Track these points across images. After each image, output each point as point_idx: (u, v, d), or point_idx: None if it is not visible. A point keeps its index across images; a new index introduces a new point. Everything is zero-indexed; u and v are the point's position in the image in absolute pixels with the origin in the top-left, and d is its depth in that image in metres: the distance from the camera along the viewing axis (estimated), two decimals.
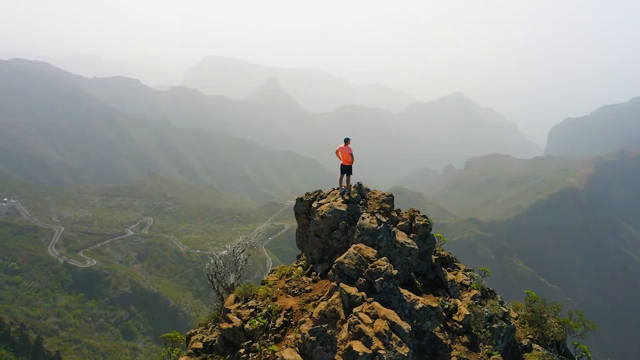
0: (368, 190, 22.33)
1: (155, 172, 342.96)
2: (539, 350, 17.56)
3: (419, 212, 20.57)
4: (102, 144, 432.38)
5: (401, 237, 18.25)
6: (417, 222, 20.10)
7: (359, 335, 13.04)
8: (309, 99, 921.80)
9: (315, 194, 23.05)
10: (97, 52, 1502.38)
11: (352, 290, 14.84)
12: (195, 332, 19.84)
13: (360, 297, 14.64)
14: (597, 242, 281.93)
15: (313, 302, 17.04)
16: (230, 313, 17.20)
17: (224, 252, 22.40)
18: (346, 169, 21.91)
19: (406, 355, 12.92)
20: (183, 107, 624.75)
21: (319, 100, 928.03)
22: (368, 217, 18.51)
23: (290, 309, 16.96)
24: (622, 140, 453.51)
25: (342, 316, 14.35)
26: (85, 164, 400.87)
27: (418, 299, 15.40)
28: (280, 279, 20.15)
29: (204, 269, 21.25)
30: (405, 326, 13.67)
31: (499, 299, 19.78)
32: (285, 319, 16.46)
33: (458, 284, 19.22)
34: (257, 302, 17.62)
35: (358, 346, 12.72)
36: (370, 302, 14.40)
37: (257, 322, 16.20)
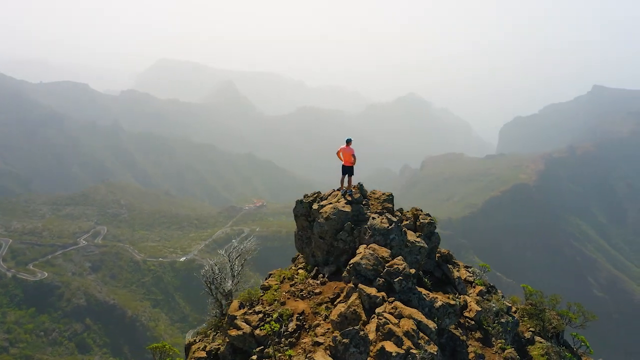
0: (366, 191, 22.49)
1: (109, 179, 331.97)
2: (541, 342, 17.93)
3: (421, 210, 20.83)
4: (51, 152, 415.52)
5: (411, 236, 18.43)
6: (421, 220, 20.33)
7: (389, 335, 12.97)
8: (267, 101, 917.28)
9: (315, 195, 23.01)
10: (43, 56, 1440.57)
11: (372, 291, 14.76)
12: (195, 341, 19.39)
13: (381, 298, 14.59)
14: (548, 235, 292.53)
15: (325, 305, 16.92)
16: (238, 319, 16.81)
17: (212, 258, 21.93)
18: (348, 170, 21.94)
19: (435, 353, 13.03)
20: (136, 111, 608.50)
21: (277, 103, 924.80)
22: (378, 217, 18.51)
23: (302, 313, 16.71)
24: (570, 137, 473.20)
25: (364, 317, 14.23)
26: (34, 173, 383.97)
27: (437, 297, 15.52)
28: (282, 283, 19.87)
29: (200, 276, 20.62)
30: (432, 325, 13.78)
31: (500, 294, 20.14)
32: (298, 322, 16.22)
33: (462, 281, 19.46)
34: (265, 307, 17.33)
35: (390, 346, 12.66)
36: (392, 302, 14.36)
37: (271, 327, 15.85)
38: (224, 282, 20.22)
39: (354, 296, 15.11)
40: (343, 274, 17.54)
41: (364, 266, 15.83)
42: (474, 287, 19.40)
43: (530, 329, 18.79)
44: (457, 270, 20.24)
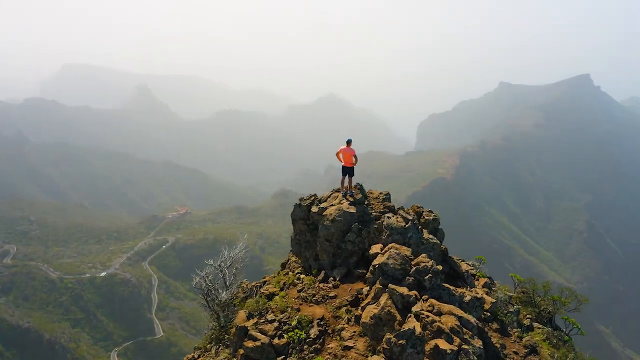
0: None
1: (15, 195, 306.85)
2: (540, 328, 18.51)
3: (422, 207, 20.79)
4: None
5: (425, 233, 18.52)
6: (425, 217, 20.31)
7: (439, 333, 12.87)
8: (186, 105, 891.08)
9: (311, 198, 22.57)
10: None
11: (404, 290, 14.56)
12: (195, 357, 18.64)
13: (414, 296, 14.44)
14: (467, 225, 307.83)
15: (345, 308, 16.60)
16: (251, 330, 16.10)
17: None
18: (348, 171, 21.68)
19: (481, 347, 13.09)
20: (42, 120, 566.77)
21: (197, 106, 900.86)
22: (394, 216, 18.40)
23: (322, 318, 16.31)
24: (481, 132, 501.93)
25: (398, 317, 13.98)
26: None
27: (464, 292, 15.58)
28: (287, 289, 19.31)
29: (194, 287, 19.87)
30: (472, 319, 13.82)
31: (498, 284, 20.51)
32: (320, 328, 15.82)
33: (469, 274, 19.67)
34: (277, 316, 16.74)
35: (443, 344, 12.54)
36: (426, 300, 14.27)
37: (296, 335, 15.40)
38: (218, 293, 19.44)
39: (384, 297, 14.85)
40: (367, 275, 17.30)
41: (391, 266, 15.64)
42: (478, 280, 19.80)
43: (528, 316, 19.37)
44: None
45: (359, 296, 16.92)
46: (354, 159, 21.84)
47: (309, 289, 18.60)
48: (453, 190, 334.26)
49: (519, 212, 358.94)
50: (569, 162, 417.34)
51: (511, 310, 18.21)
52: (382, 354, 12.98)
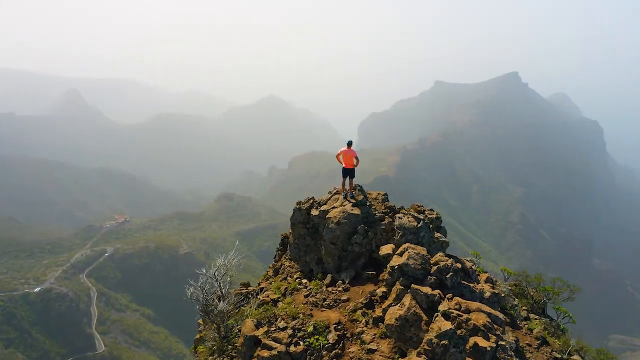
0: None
1: None
2: (537, 319, 18.94)
3: (422, 206, 20.76)
4: None
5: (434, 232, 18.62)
6: (428, 216, 20.38)
7: (475, 331, 12.86)
8: (120, 110, 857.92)
9: (310, 201, 22.41)
10: None
11: (427, 290, 14.48)
12: None
13: (438, 296, 14.37)
14: None
15: (361, 311, 16.43)
16: (264, 339, 15.56)
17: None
18: (349, 172, 21.67)
19: (514, 342, 13.40)
20: None
21: (132, 111, 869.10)
22: (405, 216, 18.34)
23: (339, 322, 16.10)
24: (420, 130, 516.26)
25: (425, 317, 13.93)
26: None
27: (483, 288, 15.69)
28: (290, 295, 18.92)
29: (191, 299, 19.14)
30: (501, 315, 13.86)
31: (494, 279, 20.72)
32: (338, 332, 15.59)
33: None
34: (289, 323, 16.30)
35: (482, 342, 12.54)
36: (451, 299, 14.24)
37: (317, 341, 15.04)
38: (215, 304, 18.68)
39: (407, 297, 14.67)
40: (380, 276, 17.38)
41: (412, 266, 15.49)
42: (479, 275, 20.00)
43: (523, 307, 19.78)
44: None
45: (373, 298, 16.87)
46: (355, 160, 21.90)
47: (317, 293, 18.37)
48: (395, 187, 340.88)
49: (459, 207, 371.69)
50: (503, 156, 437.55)
51: (515, 303, 18.71)
52: (423, 355, 12.79)
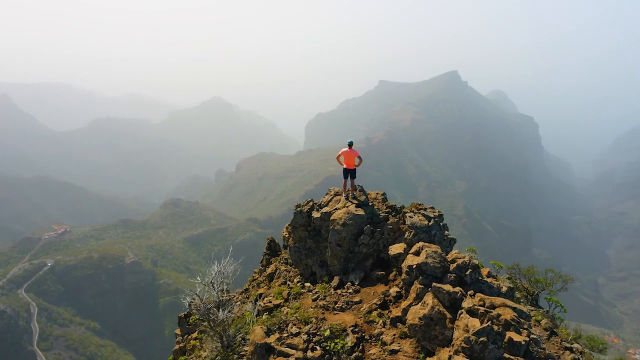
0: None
1: None
2: (532, 310, 19.28)
3: (422, 204, 20.66)
4: None
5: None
6: (430, 214, 20.06)
7: (507, 326, 12.89)
8: (57, 115, 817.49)
9: (309, 203, 22.09)
10: None
11: (449, 288, 14.41)
12: None
13: (460, 293, 14.32)
14: None
15: (376, 312, 16.30)
16: (279, 346, 15.15)
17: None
18: (350, 173, 21.44)
19: (539, 335, 13.63)
20: None
21: (68, 117, 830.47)
22: (416, 215, 18.30)
23: (356, 325, 15.80)
24: (365, 128, 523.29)
25: (449, 315, 13.86)
26: None
27: (500, 283, 15.69)
28: (295, 300, 18.52)
29: (192, 309, 18.72)
30: (524, 309, 13.89)
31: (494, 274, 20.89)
32: (356, 335, 15.33)
33: None
34: (301, 328, 15.89)
35: (516, 336, 12.61)
36: (473, 295, 14.23)
37: (337, 346, 14.72)
38: (216, 313, 18.05)
39: (429, 296, 14.51)
40: (394, 276, 17.28)
41: (431, 265, 15.36)
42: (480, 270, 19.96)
43: (521, 300, 19.70)
44: None
45: (386, 298, 16.78)
46: (357, 160, 21.65)
47: (326, 296, 18.02)
48: None
49: (407, 203, 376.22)
50: (447, 152, 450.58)
51: (518, 296, 19.16)
52: (461, 353, 12.61)
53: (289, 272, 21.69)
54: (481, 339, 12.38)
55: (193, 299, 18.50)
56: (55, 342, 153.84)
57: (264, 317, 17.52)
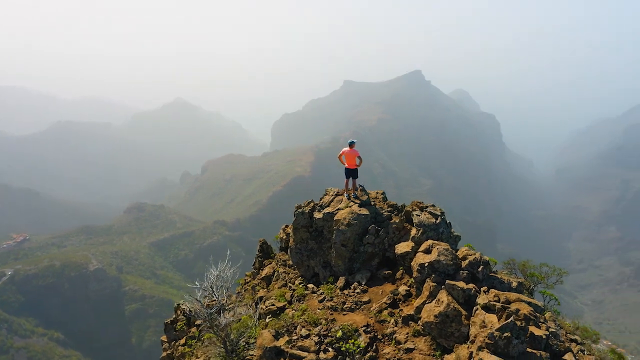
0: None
1: None
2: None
3: (422, 202, 20.52)
4: None
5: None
6: (432, 212, 20.22)
7: (527, 320, 12.96)
8: (10, 119, 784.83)
9: (310, 204, 22.08)
10: None
11: (463, 285, 14.50)
12: None
13: (474, 289, 14.42)
14: None
15: (387, 311, 16.34)
16: (290, 349, 14.94)
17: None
18: (351, 173, 21.35)
19: (557, 328, 13.64)
20: None
21: (25, 120, 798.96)
22: (423, 213, 18.36)
23: (367, 325, 15.75)
24: (332, 128, 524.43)
25: (464, 312, 13.98)
26: None
27: (510, 279, 15.88)
28: (299, 302, 18.41)
29: (197, 314, 17.91)
30: (539, 303, 14.25)
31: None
32: (369, 335, 15.33)
33: None
34: (311, 330, 15.76)
35: (537, 330, 12.81)
36: (487, 292, 14.35)
37: (353, 347, 14.60)
38: (218, 317, 17.51)
39: (442, 293, 14.55)
40: (413, 275, 16.86)
41: (443, 262, 15.44)
42: None
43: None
44: None
45: (395, 297, 16.79)
46: (357, 160, 21.50)
47: (332, 297, 17.99)
48: (311, 186, 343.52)
49: None
50: (412, 151, 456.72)
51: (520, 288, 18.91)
52: (485, 350, 12.58)
53: (289, 274, 21.51)
54: (505, 334, 12.42)
55: (193, 303, 18.06)
56: (17, 354, 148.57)
57: (267, 320, 17.34)
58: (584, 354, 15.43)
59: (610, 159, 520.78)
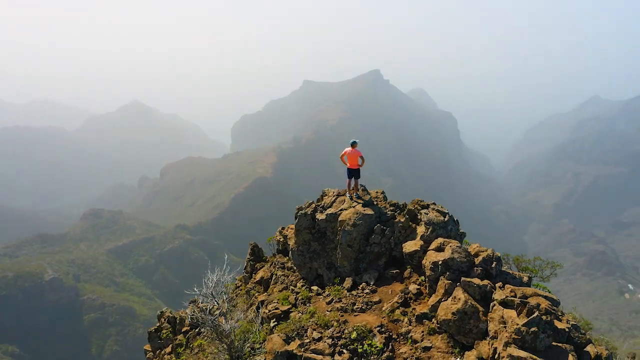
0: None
1: None
2: None
3: (423, 200, 20.37)
4: None
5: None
6: (444, 210, 20.39)
7: (549, 314, 12.96)
8: None
9: (313, 205, 21.79)
10: None
11: (478, 281, 14.53)
12: None
13: (489, 286, 14.45)
14: (292, 220, 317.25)
15: (400, 310, 16.22)
16: (304, 353, 14.67)
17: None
18: (354, 173, 21.26)
19: (577, 321, 14.29)
20: None
21: None
22: (431, 211, 18.40)
23: (382, 325, 15.58)
24: (293, 129, 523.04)
25: (481, 308, 13.99)
26: None
27: (521, 274, 15.94)
28: (305, 305, 18.09)
29: (201, 321, 17.25)
30: (555, 297, 14.25)
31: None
32: (384, 335, 15.20)
33: None
34: (322, 332, 15.55)
35: (559, 324, 12.88)
36: (503, 287, 14.34)
37: (371, 347, 14.41)
38: (221, 324, 17.04)
39: (458, 291, 14.56)
40: (426, 274, 16.79)
41: (457, 260, 15.43)
42: None
43: None
44: None
45: (406, 296, 16.57)
46: (360, 160, 21.54)
47: (341, 299, 17.81)
48: (274, 187, 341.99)
49: None
50: (372, 150, 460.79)
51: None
52: (512, 345, 12.52)
53: (289, 276, 21.10)
54: (532, 329, 12.45)
55: (195, 310, 17.68)
56: None
57: (271, 324, 17.11)
58: None
59: (562, 153, 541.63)
